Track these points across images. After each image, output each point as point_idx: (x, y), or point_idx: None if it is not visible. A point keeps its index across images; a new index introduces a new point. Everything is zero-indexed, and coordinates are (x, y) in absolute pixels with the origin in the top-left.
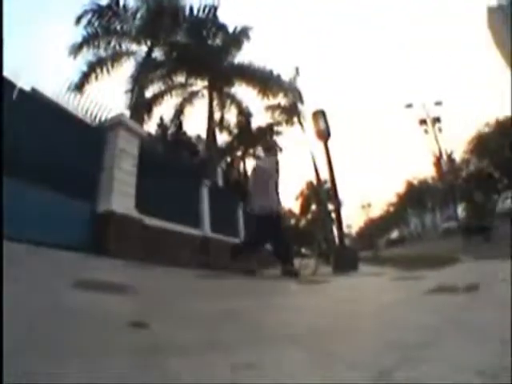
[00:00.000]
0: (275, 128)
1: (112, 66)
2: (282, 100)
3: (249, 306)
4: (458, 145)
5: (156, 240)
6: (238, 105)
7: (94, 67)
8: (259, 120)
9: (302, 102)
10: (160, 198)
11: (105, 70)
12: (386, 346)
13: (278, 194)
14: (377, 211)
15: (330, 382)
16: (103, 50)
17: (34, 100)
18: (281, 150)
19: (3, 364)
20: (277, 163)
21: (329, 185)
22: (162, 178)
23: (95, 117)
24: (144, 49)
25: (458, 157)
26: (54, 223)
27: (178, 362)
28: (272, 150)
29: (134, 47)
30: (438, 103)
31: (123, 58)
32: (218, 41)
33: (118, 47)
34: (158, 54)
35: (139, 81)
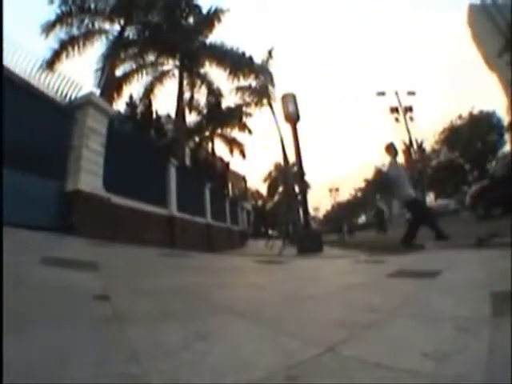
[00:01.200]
0: (245, 109)
1: (84, 44)
2: (252, 82)
3: (204, 282)
4: (429, 135)
5: (123, 219)
6: (209, 85)
7: (65, 45)
8: (230, 101)
9: (273, 84)
10: (128, 177)
11: (76, 48)
12: (335, 324)
13: None
14: (344, 195)
15: (276, 353)
16: (76, 29)
17: (4, 78)
18: (250, 131)
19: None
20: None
21: (296, 167)
22: (130, 157)
23: (65, 95)
24: (117, 28)
25: (428, 146)
26: (21, 203)
27: (133, 331)
28: (395, 152)
29: (106, 26)
30: (411, 93)
31: (95, 36)
32: (191, 21)
33: (90, 26)
34: (130, 33)
35: (110, 59)
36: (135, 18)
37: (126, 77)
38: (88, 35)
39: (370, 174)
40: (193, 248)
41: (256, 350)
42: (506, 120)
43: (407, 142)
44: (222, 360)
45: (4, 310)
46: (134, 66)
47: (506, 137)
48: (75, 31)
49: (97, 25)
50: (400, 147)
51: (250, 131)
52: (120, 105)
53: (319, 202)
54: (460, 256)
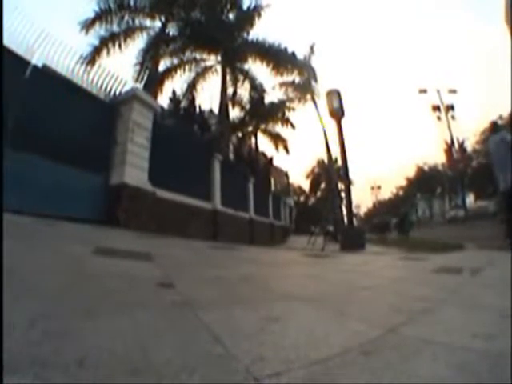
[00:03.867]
0: (288, 104)
1: (125, 40)
2: (296, 77)
3: (260, 272)
4: (470, 134)
5: (167, 212)
6: (251, 80)
7: (106, 42)
8: (273, 96)
9: (315, 79)
10: (172, 172)
11: (117, 44)
12: (392, 310)
13: None
14: (386, 193)
15: (345, 334)
16: (116, 26)
17: (47, 76)
18: (293, 126)
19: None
20: None
21: (340, 163)
22: (175, 152)
23: (109, 90)
24: (158, 24)
25: (469, 146)
26: (68, 196)
27: (207, 315)
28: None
29: (147, 22)
30: (453, 91)
31: (136, 32)
32: (232, 17)
33: (131, 22)
34: (171, 29)
35: (151, 54)
36: (176, 15)
37: (169, 72)
38: (129, 32)
39: (411, 173)
40: (235, 242)
41: (327, 330)
42: None
43: (449, 141)
44: (299, 339)
45: (73, 299)
46: (176, 62)
47: None
48: (115, 28)
49: (137, 21)
50: (441, 146)
51: (292, 126)
52: (162, 100)
53: (360, 199)
54: (497, 255)
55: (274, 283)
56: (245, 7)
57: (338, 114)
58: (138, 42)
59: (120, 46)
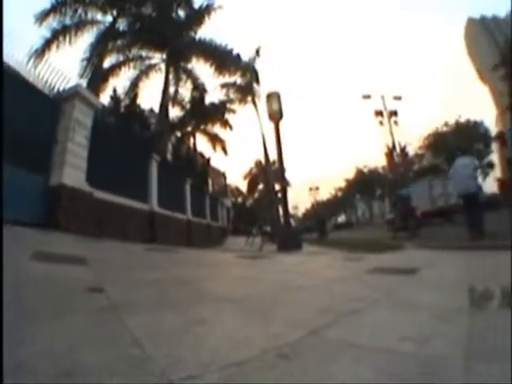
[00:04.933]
0: (228, 106)
1: (75, 34)
2: (238, 79)
3: (195, 275)
4: (413, 139)
5: (104, 213)
6: (194, 80)
7: (57, 35)
8: (213, 97)
9: (257, 82)
10: (110, 171)
11: (67, 38)
12: (319, 311)
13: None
14: (324, 195)
15: (267, 336)
16: (69, 19)
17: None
18: (231, 128)
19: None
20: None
21: (277, 165)
22: (113, 151)
23: (53, 87)
24: (109, 19)
25: (411, 151)
26: (6, 198)
27: (131, 319)
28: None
29: (99, 16)
30: (398, 98)
31: (87, 26)
32: (182, 15)
33: (83, 16)
34: (121, 24)
35: (99, 50)
36: (127, 10)
37: (113, 69)
38: (80, 25)
39: (351, 174)
40: (173, 244)
41: (249, 333)
42: (494, 130)
43: (390, 145)
44: (220, 341)
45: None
46: (121, 59)
47: (493, 147)
48: (68, 21)
49: (89, 15)
50: (383, 150)
51: (230, 127)
52: (104, 98)
53: (298, 200)
54: (436, 256)
55: (208, 285)
56: (196, 6)
57: (276, 116)
58: (88, 37)
59: (70, 39)
